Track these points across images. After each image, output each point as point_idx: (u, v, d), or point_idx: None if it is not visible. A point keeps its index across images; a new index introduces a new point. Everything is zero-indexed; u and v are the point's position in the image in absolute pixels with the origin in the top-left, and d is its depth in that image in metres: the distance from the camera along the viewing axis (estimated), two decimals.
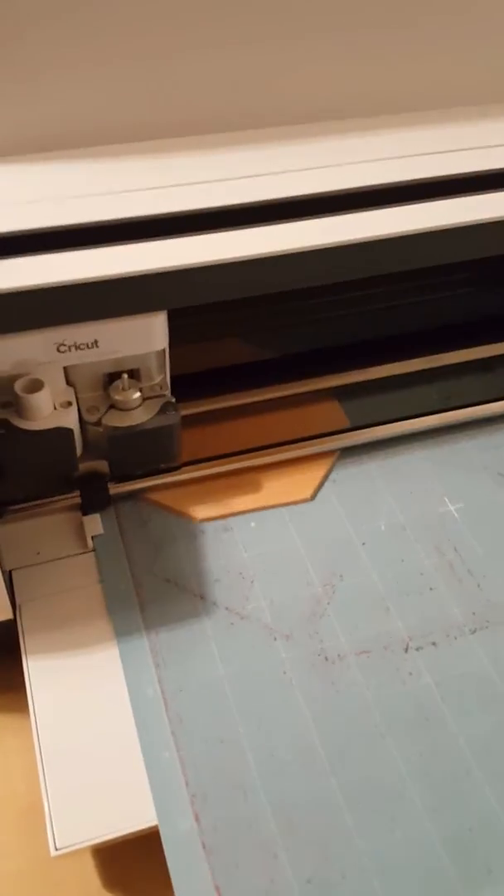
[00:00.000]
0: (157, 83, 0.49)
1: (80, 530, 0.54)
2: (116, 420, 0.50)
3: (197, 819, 0.41)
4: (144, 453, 0.53)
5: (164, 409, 0.50)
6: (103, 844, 0.41)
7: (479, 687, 0.46)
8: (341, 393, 0.64)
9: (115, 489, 0.55)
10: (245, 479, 0.57)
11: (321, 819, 0.41)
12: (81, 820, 0.41)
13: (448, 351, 0.66)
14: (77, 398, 0.49)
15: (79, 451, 0.51)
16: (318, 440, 0.59)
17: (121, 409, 0.50)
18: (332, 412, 0.63)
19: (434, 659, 0.47)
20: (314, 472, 0.58)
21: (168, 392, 0.52)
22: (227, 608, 0.49)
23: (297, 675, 0.46)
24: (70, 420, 0.48)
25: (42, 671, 0.47)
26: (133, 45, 0.47)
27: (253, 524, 0.55)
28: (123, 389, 0.50)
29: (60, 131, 0.49)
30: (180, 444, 0.53)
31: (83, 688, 0.46)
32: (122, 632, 0.48)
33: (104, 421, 0.50)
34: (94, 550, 0.53)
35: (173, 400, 0.51)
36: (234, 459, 0.58)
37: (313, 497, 0.56)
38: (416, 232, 0.47)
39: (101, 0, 0.46)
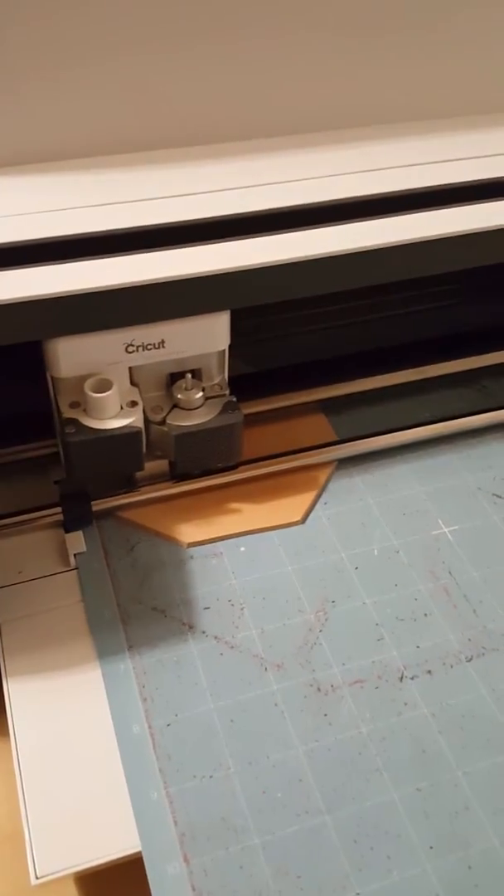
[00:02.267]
0: (150, 96, 0.50)
1: (62, 548, 0.53)
2: (181, 419, 0.51)
3: (186, 861, 0.39)
4: (208, 452, 0.53)
5: (226, 409, 0.51)
6: (85, 872, 0.40)
7: (477, 717, 0.45)
8: (328, 406, 0.64)
9: (97, 505, 0.54)
10: (234, 496, 0.56)
11: (315, 860, 0.40)
12: (63, 847, 0.40)
13: (435, 363, 0.66)
14: (141, 398, 0.50)
15: (143, 449, 0.52)
16: (306, 453, 0.59)
17: (184, 409, 0.51)
18: (319, 425, 0.62)
19: (430, 688, 0.46)
20: (304, 492, 0.57)
21: (228, 392, 0.52)
22: (216, 637, 0.48)
23: (289, 707, 0.45)
24: (137, 419, 0.49)
25: (23, 693, 0.46)
26: (132, 56, 0.48)
27: (243, 549, 0.53)
28: (187, 389, 0.51)
29: (51, 143, 0.50)
30: (242, 443, 0.53)
31: (65, 711, 0.45)
32: (104, 652, 0.47)
33: (169, 420, 0.50)
34: (76, 569, 0.52)
35: (234, 399, 0.52)
36: (222, 474, 0.57)
37: (304, 520, 0.55)
38: (418, 241, 0.48)
39: (97, 12, 0.46)
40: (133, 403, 0.49)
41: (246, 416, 0.60)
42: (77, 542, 0.53)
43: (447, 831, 0.41)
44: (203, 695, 0.45)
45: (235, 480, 0.57)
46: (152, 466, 0.54)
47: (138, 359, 0.48)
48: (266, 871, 0.39)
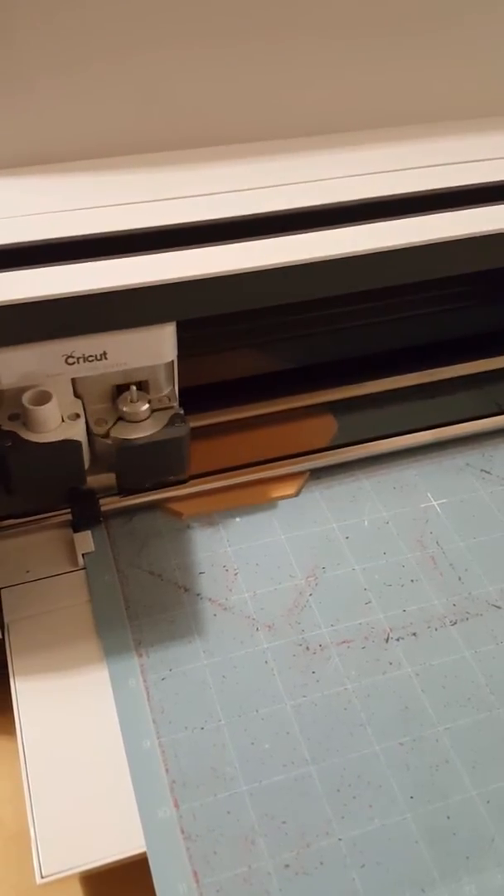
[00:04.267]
0: (157, 97, 0.50)
1: (71, 547, 0.53)
2: (125, 432, 0.49)
3: (176, 806, 0.41)
4: (153, 466, 0.52)
5: (172, 421, 0.50)
6: (91, 872, 0.40)
7: (459, 677, 0.46)
8: (333, 408, 0.63)
9: (105, 505, 0.54)
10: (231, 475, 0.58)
11: (300, 807, 0.41)
12: (68, 846, 0.40)
13: (439, 367, 0.66)
14: (85, 410, 0.49)
15: (87, 463, 0.51)
16: (307, 457, 0.59)
17: (129, 422, 0.49)
18: (323, 427, 0.62)
19: (414, 649, 0.47)
20: (298, 468, 0.58)
21: (176, 404, 0.51)
22: (210, 599, 0.50)
23: (279, 665, 0.47)
24: (78, 432, 0.48)
25: (30, 693, 0.46)
26: (137, 59, 0.48)
27: (238, 519, 0.55)
28: (132, 401, 0.49)
29: (66, 144, 0.50)
30: (189, 457, 0.52)
31: (72, 711, 0.45)
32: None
33: (112, 433, 0.49)
34: (84, 569, 0.52)
35: (182, 412, 0.51)
36: (220, 477, 0.57)
37: (297, 494, 0.57)
38: (418, 244, 0.48)
39: (103, 14, 0.46)
40: (76, 416, 0.48)
41: (248, 418, 0.61)
42: (86, 541, 0.53)
43: (427, 783, 0.42)
44: (196, 652, 0.47)
45: (236, 484, 0.57)
46: (103, 479, 0.54)
47: (80, 370, 0.46)
48: (252, 816, 0.41)
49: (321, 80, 0.52)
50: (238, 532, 0.54)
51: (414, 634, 0.48)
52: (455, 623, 0.49)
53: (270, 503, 0.56)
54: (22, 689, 0.46)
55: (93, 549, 0.53)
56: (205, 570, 0.52)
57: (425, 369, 0.66)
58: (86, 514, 0.54)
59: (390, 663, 0.47)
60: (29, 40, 0.46)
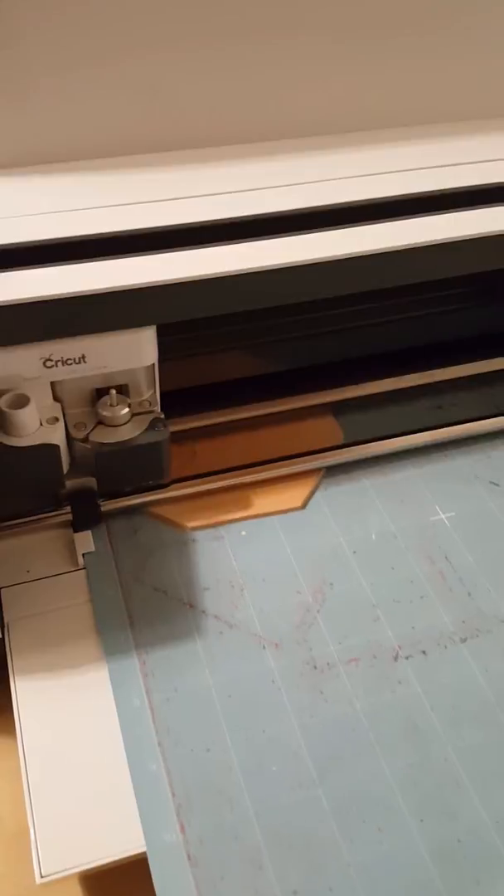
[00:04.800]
0: (158, 97, 0.50)
1: (71, 547, 0.53)
2: (104, 436, 0.49)
3: (182, 830, 0.41)
4: (132, 470, 0.52)
5: (152, 425, 0.50)
6: (91, 871, 0.40)
7: (469, 696, 0.46)
8: (336, 408, 0.63)
9: (106, 506, 0.54)
10: (237, 485, 0.57)
11: (308, 830, 0.41)
12: (68, 846, 0.40)
13: (441, 367, 0.66)
14: (64, 414, 0.49)
15: (66, 467, 0.50)
16: (312, 456, 0.59)
17: (109, 426, 0.49)
18: (325, 428, 0.62)
19: (423, 668, 0.47)
20: (305, 480, 0.58)
21: (158, 408, 0.51)
22: (216, 617, 0.49)
23: (286, 684, 0.46)
24: (56, 436, 0.47)
25: (30, 692, 0.46)
26: (139, 59, 0.48)
27: (243, 533, 0.54)
28: (111, 405, 0.49)
29: (64, 144, 0.50)
30: (169, 461, 0.52)
31: (72, 710, 0.45)
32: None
33: (91, 437, 0.49)
34: (84, 568, 0.52)
35: (163, 416, 0.50)
36: (224, 476, 0.57)
37: (304, 506, 0.56)
38: (418, 245, 0.47)
39: (106, 15, 0.46)
40: (54, 419, 0.47)
41: (250, 418, 0.61)
42: (86, 541, 0.53)
43: (437, 804, 0.42)
44: (202, 671, 0.46)
45: (238, 484, 0.57)
46: (84, 483, 0.53)
47: (58, 374, 0.46)
48: (259, 840, 0.40)
49: (322, 81, 0.52)
50: (244, 545, 0.54)
51: (423, 652, 0.47)
52: (465, 640, 0.48)
53: (276, 515, 0.56)
54: (22, 689, 0.46)
55: (93, 548, 0.53)
56: (210, 586, 0.51)
57: (427, 370, 0.66)
58: (86, 513, 0.53)
59: (399, 682, 0.46)
60: (30, 41, 0.46)
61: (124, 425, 0.49)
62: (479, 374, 0.66)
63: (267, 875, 0.39)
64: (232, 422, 0.62)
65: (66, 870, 0.39)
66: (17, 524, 0.53)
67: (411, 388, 0.65)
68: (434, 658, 0.47)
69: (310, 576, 0.51)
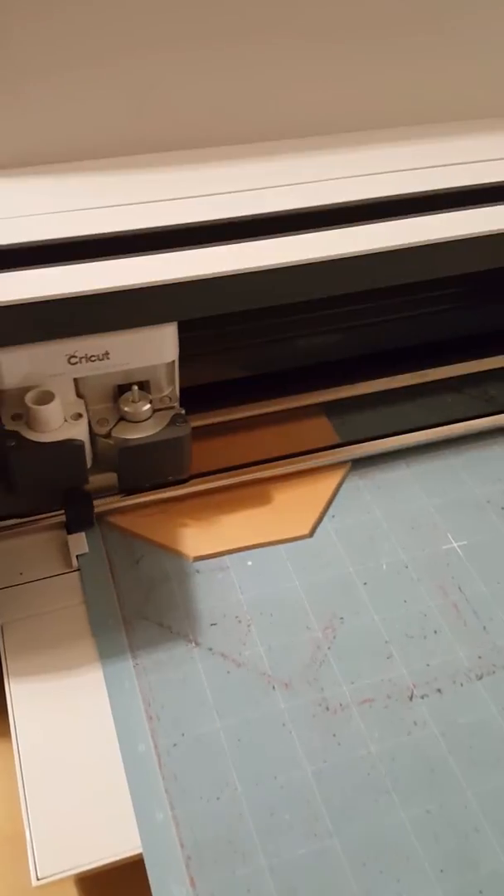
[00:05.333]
0: (155, 97, 0.50)
1: (65, 549, 0.53)
2: (127, 432, 0.50)
3: (192, 884, 0.39)
4: (154, 465, 0.52)
5: (174, 421, 0.50)
6: (87, 873, 0.40)
7: (488, 737, 0.44)
8: (332, 409, 0.63)
9: (99, 507, 0.54)
10: (241, 507, 0.56)
11: (324, 883, 0.39)
12: (64, 848, 0.40)
13: (439, 367, 0.66)
14: (87, 410, 0.49)
15: (88, 463, 0.51)
16: (310, 455, 0.58)
17: (131, 422, 0.50)
18: (322, 428, 0.62)
19: (440, 707, 0.45)
20: (311, 504, 0.56)
21: (177, 404, 0.52)
22: (223, 655, 0.47)
23: (297, 727, 0.44)
24: (80, 432, 0.48)
25: (25, 694, 0.45)
26: (135, 60, 0.48)
27: (250, 563, 0.53)
28: (133, 401, 0.50)
29: (63, 145, 0.50)
30: (190, 457, 0.52)
31: (67, 712, 0.45)
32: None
33: (114, 433, 0.49)
34: (78, 570, 0.52)
35: (183, 412, 0.51)
36: (222, 476, 0.56)
37: (312, 533, 0.55)
38: (416, 245, 0.48)
39: (102, 16, 0.46)
40: (78, 416, 0.48)
41: (248, 418, 0.61)
42: (80, 543, 0.53)
43: (457, 853, 0.40)
44: (210, 713, 0.45)
45: (238, 483, 0.56)
46: (104, 479, 0.53)
47: (82, 370, 0.47)
48: (273, 894, 0.39)
49: (318, 81, 0.52)
50: (250, 577, 0.52)
51: (438, 691, 0.46)
52: (481, 677, 0.46)
53: (283, 544, 0.54)
54: (16, 691, 0.45)
55: (87, 550, 0.52)
56: (216, 622, 0.49)
57: (419, 370, 0.66)
58: (79, 515, 0.53)
59: (415, 723, 0.44)
60: (26, 41, 0.46)
61: (146, 421, 0.50)
62: (476, 373, 0.66)
63: None
64: (227, 422, 0.61)
65: (62, 872, 0.39)
66: (9, 526, 0.53)
67: (408, 387, 0.65)
68: (450, 697, 0.46)
69: (319, 610, 0.50)
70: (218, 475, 0.57)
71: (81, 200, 0.48)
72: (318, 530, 0.55)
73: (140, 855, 0.39)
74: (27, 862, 0.39)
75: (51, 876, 0.39)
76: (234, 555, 0.53)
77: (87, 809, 0.41)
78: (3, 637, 0.48)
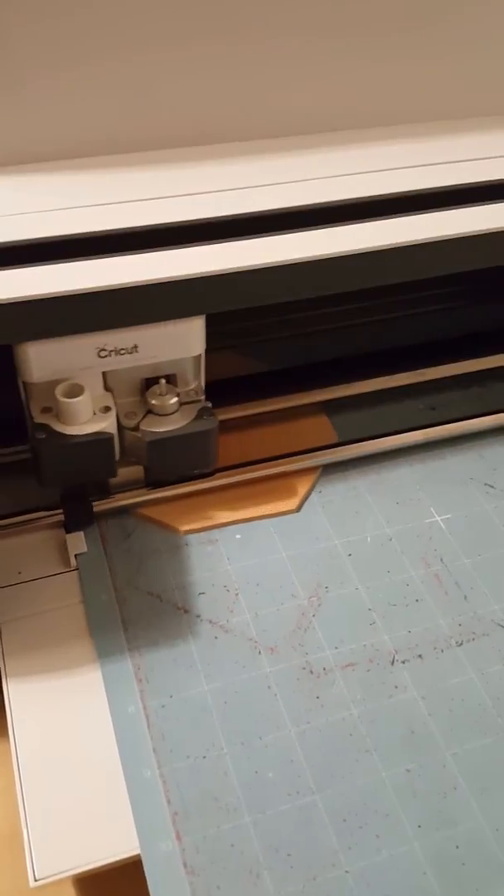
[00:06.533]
0: (151, 95, 0.50)
1: (63, 548, 0.53)
2: (155, 425, 0.50)
3: (178, 838, 0.40)
4: (182, 458, 0.52)
5: (201, 414, 0.50)
6: (85, 874, 0.40)
7: (466, 700, 0.45)
8: (329, 407, 0.63)
9: (98, 506, 0.54)
10: (231, 487, 0.57)
11: (305, 838, 0.40)
12: (62, 849, 0.40)
13: (434, 366, 0.66)
14: (115, 403, 0.49)
15: (117, 456, 0.51)
16: (306, 455, 0.59)
17: (158, 415, 0.50)
18: (319, 427, 0.62)
19: (420, 672, 0.46)
20: (299, 482, 0.57)
21: (203, 397, 0.52)
22: (211, 621, 0.49)
23: (282, 690, 0.46)
24: (110, 425, 0.48)
25: (22, 694, 0.45)
26: (133, 57, 0.48)
27: (238, 536, 0.54)
28: (161, 395, 0.50)
29: (50, 143, 0.50)
30: (217, 450, 0.53)
31: (65, 711, 0.45)
32: (105, 653, 0.47)
33: (142, 426, 0.50)
34: (76, 569, 0.52)
35: (210, 405, 0.51)
36: (218, 476, 0.57)
37: (299, 508, 0.56)
38: (415, 243, 0.48)
39: (99, 13, 0.46)
40: (106, 409, 0.48)
41: (246, 417, 0.61)
42: (78, 542, 0.53)
43: (435, 811, 0.41)
44: (197, 677, 0.46)
45: (233, 483, 0.57)
46: (129, 472, 0.54)
47: (111, 364, 0.47)
48: (257, 849, 0.40)
49: (315, 78, 0.52)
50: (238, 549, 0.53)
51: (419, 656, 0.47)
52: (461, 644, 0.48)
53: (271, 519, 0.55)
54: (14, 691, 0.46)
55: (85, 549, 0.53)
56: (205, 591, 0.50)
57: (415, 369, 0.66)
58: (78, 514, 0.53)
59: (396, 686, 0.46)
60: (20, 40, 0.46)
61: (173, 414, 0.50)
62: (472, 373, 0.66)
63: (264, 883, 0.39)
64: (224, 421, 0.60)
65: (60, 873, 0.39)
66: (7, 525, 0.53)
67: (404, 386, 0.65)
68: (431, 662, 0.47)
69: (305, 579, 0.51)
70: (211, 475, 0.57)
71: (87, 197, 0.48)
72: (305, 506, 0.56)
73: (138, 856, 0.40)
74: (25, 862, 0.39)
75: (49, 877, 0.39)
76: (223, 528, 0.54)
77: (85, 810, 0.41)
78: (1, 636, 0.48)
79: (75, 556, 0.52)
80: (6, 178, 0.49)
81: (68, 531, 0.53)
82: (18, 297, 0.41)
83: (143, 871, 0.39)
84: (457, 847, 0.40)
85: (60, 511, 0.53)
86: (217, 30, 0.48)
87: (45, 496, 0.54)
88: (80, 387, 0.47)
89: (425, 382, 0.65)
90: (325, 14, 0.50)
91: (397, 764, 0.43)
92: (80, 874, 0.40)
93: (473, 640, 0.48)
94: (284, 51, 0.50)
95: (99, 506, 0.54)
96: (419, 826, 0.41)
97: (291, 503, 0.56)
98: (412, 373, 0.65)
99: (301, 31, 0.50)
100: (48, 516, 0.54)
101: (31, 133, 0.49)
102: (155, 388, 0.50)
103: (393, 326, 0.67)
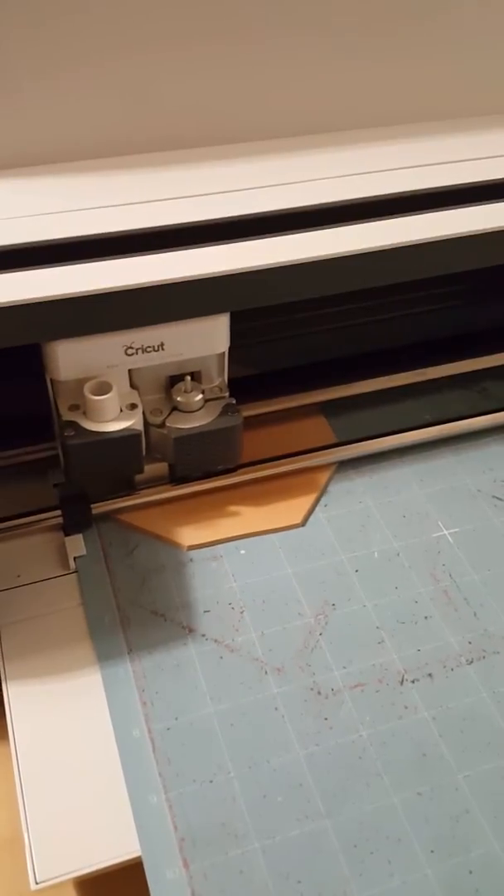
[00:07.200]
0: (150, 97, 0.50)
1: (62, 551, 0.53)
2: (181, 422, 0.51)
3: (186, 866, 0.39)
4: (208, 455, 0.53)
5: (225, 411, 0.51)
6: (86, 877, 0.40)
7: (478, 721, 0.45)
8: (329, 408, 0.63)
9: (97, 508, 0.54)
10: (234, 499, 0.56)
11: (315, 865, 0.39)
12: (63, 852, 0.40)
13: (436, 365, 0.66)
14: (141, 400, 0.50)
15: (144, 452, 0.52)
16: (306, 455, 0.58)
17: (183, 412, 0.51)
18: (319, 427, 0.62)
19: (430, 692, 0.46)
20: (304, 495, 0.57)
21: (227, 394, 0.52)
22: (216, 641, 0.48)
23: (290, 711, 0.45)
24: (137, 422, 0.49)
25: (22, 697, 0.45)
26: (132, 58, 0.48)
27: (243, 552, 0.53)
28: (186, 392, 0.51)
29: (48, 145, 0.50)
30: (241, 446, 0.53)
31: (65, 714, 0.45)
32: (104, 656, 0.47)
33: (168, 423, 0.50)
34: (76, 572, 0.52)
35: (234, 401, 0.52)
36: (221, 477, 0.56)
37: (304, 522, 0.55)
38: (415, 243, 0.48)
39: (98, 14, 0.46)
40: (133, 406, 0.49)
41: (246, 418, 0.61)
42: (77, 545, 0.53)
43: (448, 835, 0.40)
44: (203, 698, 0.45)
45: (235, 483, 0.57)
46: (152, 469, 0.54)
47: (138, 361, 0.48)
48: (266, 876, 0.39)
49: (315, 78, 0.52)
50: (243, 565, 0.52)
51: (429, 675, 0.46)
52: (471, 662, 0.47)
53: (276, 533, 0.54)
54: (14, 694, 0.45)
55: (84, 552, 0.53)
56: (210, 609, 0.50)
57: (416, 368, 0.66)
58: (77, 517, 0.53)
59: (406, 707, 0.45)
60: (19, 42, 0.46)
61: (198, 411, 0.51)
62: (473, 372, 0.66)
63: None
64: None
65: (60, 876, 0.39)
66: (6, 528, 0.53)
67: (404, 386, 0.65)
68: (441, 681, 0.46)
69: (311, 596, 0.50)
70: (215, 477, 0.56)
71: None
72: (311, 520, 0.55)
73: (139, 858, 0.39)
74: (26, 865, 0.39)
75: (49, 880, 0.39)
76: (227, 544, 0.54)
77: (86, 813, 0.41)
78: (0, 639, 0.48)
79: (74, 558, 0.52)
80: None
81: (67, 534, 0.53)
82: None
83: (143, 875, 0.39)
84: (470, 872, 0.39)
85: (59, 514, 0.53)
86: (217, 30, 0.49)
87: (43, 498, 0.54)
88: (109, 384, 0.47)
89: (426, 382, 0.65)
90: (325, 14, 0.50)
91: (408, 787, 0.42)
92: (80, 877, 0.40)
93: (484, 657, 0.47)
94: (284, 51, 0.51)
95: (97, 508, 0.54)
96: (432, 851, 0.40)
97: (296, 517, 0.55)
98: (412, 372, 0.65)
99: (301, 31, 0.50)
100: (46, 519, 0.54)
101: (31, 134, 0.49)
102: (180, 386, 0.51)
103: (393, 326, 0.67)
